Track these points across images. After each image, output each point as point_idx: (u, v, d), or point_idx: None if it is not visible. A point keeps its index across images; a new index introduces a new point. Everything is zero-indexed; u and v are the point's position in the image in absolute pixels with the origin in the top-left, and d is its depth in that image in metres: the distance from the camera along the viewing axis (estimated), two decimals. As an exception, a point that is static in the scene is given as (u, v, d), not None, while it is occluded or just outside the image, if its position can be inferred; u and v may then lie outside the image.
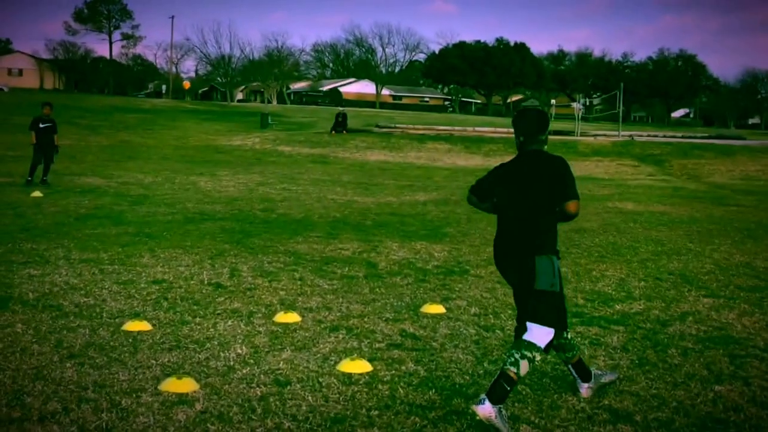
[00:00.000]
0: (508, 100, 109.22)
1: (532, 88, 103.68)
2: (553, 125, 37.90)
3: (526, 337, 4.09)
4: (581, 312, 6.41)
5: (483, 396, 3.87)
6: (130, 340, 5.11)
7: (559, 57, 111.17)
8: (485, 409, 3.81)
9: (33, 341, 5.01)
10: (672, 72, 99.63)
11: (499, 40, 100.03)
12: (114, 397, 4.09)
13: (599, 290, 7.29)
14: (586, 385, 4.47)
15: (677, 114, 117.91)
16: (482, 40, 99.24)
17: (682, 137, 38.78)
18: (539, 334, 4.08)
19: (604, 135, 36.88)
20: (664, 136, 39.00)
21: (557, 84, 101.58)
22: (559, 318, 4.21)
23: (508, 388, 3.94)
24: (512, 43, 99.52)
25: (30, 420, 3.77)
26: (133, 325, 5.37)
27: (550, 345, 4.13)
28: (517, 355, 4.00)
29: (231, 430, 3.77)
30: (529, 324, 4.12)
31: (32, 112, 14.97)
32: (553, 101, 53.20)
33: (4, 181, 14.78)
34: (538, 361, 4.12)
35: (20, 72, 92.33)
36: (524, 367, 4.00)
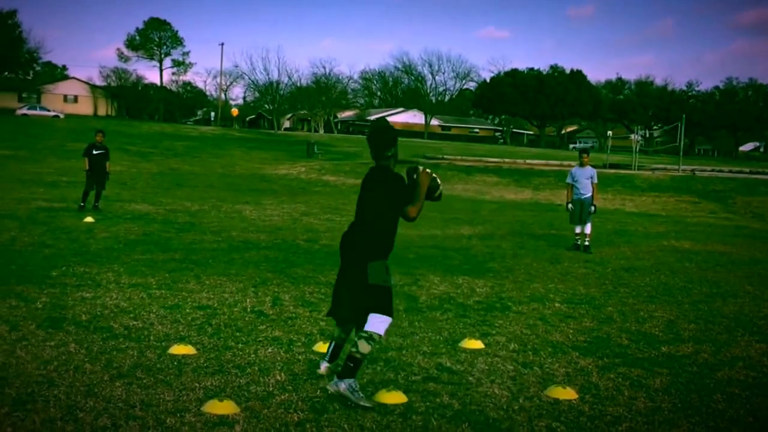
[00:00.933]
0: (563, 131, 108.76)
1: (588, 119, 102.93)
2: (609, 158, 37.69)
3: (367, 328, 4.89)
4: (624, 352, 6.52)
5: (335, 378, 4.83)
6: (176, 363, 5.45)
7: (617, 85, 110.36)
8: (334, 386, 4.78)
9: (85, 360, 5.38)
10: (741, 102, 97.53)
11: (554, 68, 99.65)
12: (159, 416, 4.41)
13: (645, 331, 7.38)
14: (327, 364, 5.26)
15: (746, 148, 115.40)
16: (536, 68, 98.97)
17: (750, 173, 38.03)
18: (379, 325, 4.90)
19: (664, 169, 36.55)
20: (730, 171, 38.27)
21: (615, 114, 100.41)
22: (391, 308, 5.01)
23: (353, 365, 4.82)
24: (568, 71, 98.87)
25: (82, 435, 4.10)
26: (179, 349, 5.72)
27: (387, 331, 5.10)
28: (356, 340, 4.89)
29: (269, 452, 4.04)
30: (370, 315, 4.91)
31: (86, 138, 15.71)
32: (609, 132, 52.87)
33: (58, 206, 15.47)
34: (375, 348, 5.22)
35: (75, 98, 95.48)
36: (363, 346, 4.85)
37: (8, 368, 5.11)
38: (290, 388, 5.07)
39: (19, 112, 70.40)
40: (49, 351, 5.56)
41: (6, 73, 74.34)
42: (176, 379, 5.11)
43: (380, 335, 4.89)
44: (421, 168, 5.12)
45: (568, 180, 13.62)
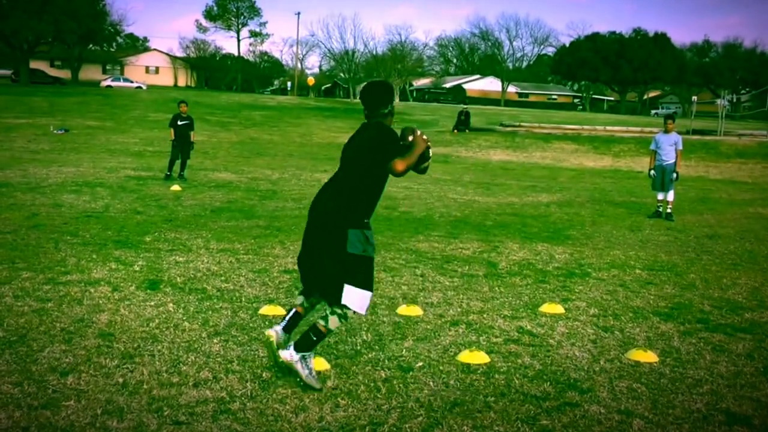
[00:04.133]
0: (645, 97, 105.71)
1: (671, 83, 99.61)
2: (695, 124, 36.61)
3: (344, 302, 4.39)
4: (706, 318, 6.54)
5: (290, 343, 4.44)
6: (267, 323, 5.76)
7: (703, 48, 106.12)
8: (287, 354, 4.39)
9: (183, 319, 5.76)
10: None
11: (637, 31, 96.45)
12: (255, 371, 4.72)
13: (728, 298, 7.35)
14: (280, 331, 4.58)
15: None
16: (618, 31, 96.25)
17: None
18: (355, 298, 4.40)
19: (751, 135, 35.26)
20: (823, 137, 36.67)
21: (701, 78, 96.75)
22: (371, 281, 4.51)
23: (315, 339, 4.45)
24: (651, 34, 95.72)
25: (186, 385, 4.44)
26: (269, 310, 6.05)
27: (368, 308, 4.51)
28: (328, 312, 4.47)
29: (359, 405, 4.29)
30: (345, 286, 4.39)
31: (168, 109, 16.28)
32: (694, 98, 51.15)
33: (146, 175, 16.15)
34: (350, 318, 4.73)
35: (156, 70, 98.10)
36: (333, 322, 4.45)
37: (114, 325, 5.51)
38: (376, 347, 5.31)
39: (104, 83, 72.76)
40: (150, 310, 5.95)
41: (90, 46, 76.83)
42: (269, 337, 5.42)
43: (357, 313, 4.46)
44: (418, 132, 4.60)
45: (652, 146, 13.42)
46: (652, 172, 13.25)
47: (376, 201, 4.56)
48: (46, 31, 60.49)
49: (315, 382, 4.44)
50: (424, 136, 4.58)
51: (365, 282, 4.44)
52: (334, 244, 4.41)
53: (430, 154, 4.63)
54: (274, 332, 4.55)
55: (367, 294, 4.45)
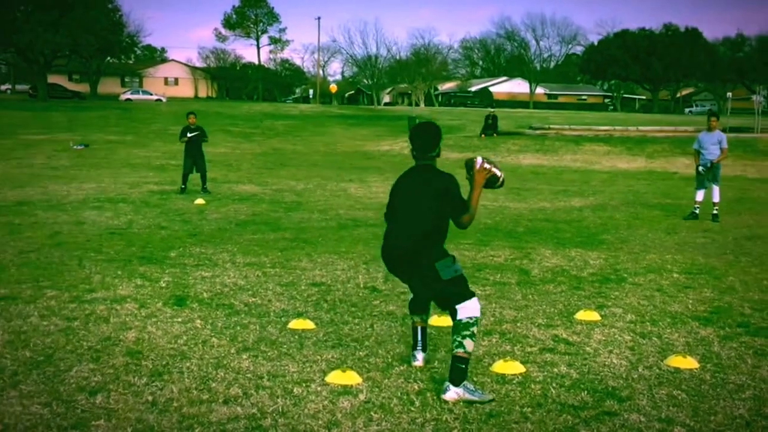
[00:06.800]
0: (678, 95, 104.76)
1: (705, 80, 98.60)
2: (729, 121, 36.25)
3: (459, 317, 4.72)
4: (747, 322, 6.49)
5: (446, 384, 4.65)
6: (296, 337, 5.82)
7: (737, 42, 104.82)
8: (452, 394, 4.61)
9: (212, 335, 5.83)
10: None
11: (667, 27, 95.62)
12: (286, 386, 4.77)
13: (769, 300, 7.29)
14: (423, 353, 5.26)
15: None
16: (647, 27, 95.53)
17: None
18: (470, 308, 4.74)
19: (790, 132, 34.78)
20: None
21: (734, 74, 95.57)
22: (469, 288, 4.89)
23: (464, 367, 4.65)
24: (682, 29, 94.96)
25: (217, 402, 4.50)
26: (298, 324, 6.09)
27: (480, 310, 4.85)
28: (459, 339, 4.68)
29: (392, 419, 4.32)
30: (457, 306, 4.75)
31: (186, 121, 16.35)
32: (729, 94, 50.61)
33: (169, 189, 16.34)
34: (477, 332, 4.96)
35: (176, 81, 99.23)
36: (469, 344, 4.68)
37: (142, 343, 5.60)
38: (408, 359, 5.34)
39: (123, 97, 73.59)
40: (178, 326, 6.04)
41: (108, 58, 77.80)
42: (298, 352, 5.48)
43: (478, 317, 4.76)
44: (478, 164, 4.86)
45: (695, 146, 13.32)
46: (701, 168, 13.06)
47: (447, 231, 4.93)
48: (63, 44, 61.05)
49: (486, 396, 4.66)
50: (486, 165, 4.88)
51: (468, 292, 4.81)
52: (430, 277, 4.78)
53: (499, 174, 4.97)
54: (420, 361, 5.22)
55: (475, 299, 4.81)
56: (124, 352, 5.38)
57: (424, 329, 5.31)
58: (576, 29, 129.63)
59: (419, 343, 5.27)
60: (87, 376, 4.88)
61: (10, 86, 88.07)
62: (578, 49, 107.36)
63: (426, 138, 4.92)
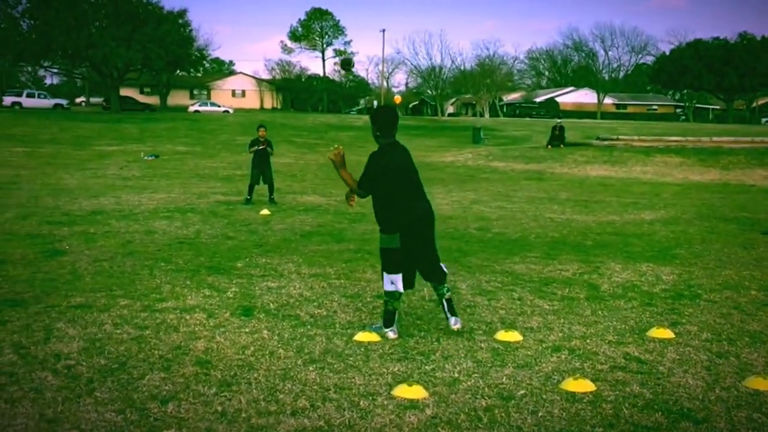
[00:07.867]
0: (754, 104, 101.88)
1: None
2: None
3: (445, 270, 6.34)
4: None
5: (450, 317, 6.24)
6: (362, 350, 5.84)
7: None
8: (458, 321, 6.26)
9: (278, 346, 5.90)
10: None
11: (743, 36, 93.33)
12: (353, 399, 4.79)
13: None
14: (455, 318, 6.32)
15: None
16: (722, 37, 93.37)
17: None
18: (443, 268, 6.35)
19: None
20: None
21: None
22: None
23: (454, 303, 6.46)
24: (758, 38, 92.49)
25: (284, 413, 4.55)
26: (364, 336, 6.11)
27: None
28: (448, 286, 6.42)
29: (460, 435, 4.30)
30: (442, 265, 6.32)
31: (254, 132, 16.60)
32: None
33: (235, 200, 16.62)
34: None
35: (243, 93, 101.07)
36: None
37: (211, 352, 5.70)
38: (476, 374, 5.30)
39: (191, 108, 75.44)
40: (245, 337, 6.13)
41: (178, 71, 79.92)
42: (364, 364, 5.49)
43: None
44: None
45: None
46: None
47: None
48: (135, 58, 63.22)
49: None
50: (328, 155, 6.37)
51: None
52: (432, 235, 6.25)
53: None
54: (455, 321, 6.27)
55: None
56: (193, 361, 5.48)
57: (448, 299, 6.36)
58: (646, 39, 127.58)
59: (446, 311, 6.36)
60: (158, 384, 4.99)
61: (84, 99, 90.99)
62: (649, 59, 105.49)
63: (390, 118, 6.24)
